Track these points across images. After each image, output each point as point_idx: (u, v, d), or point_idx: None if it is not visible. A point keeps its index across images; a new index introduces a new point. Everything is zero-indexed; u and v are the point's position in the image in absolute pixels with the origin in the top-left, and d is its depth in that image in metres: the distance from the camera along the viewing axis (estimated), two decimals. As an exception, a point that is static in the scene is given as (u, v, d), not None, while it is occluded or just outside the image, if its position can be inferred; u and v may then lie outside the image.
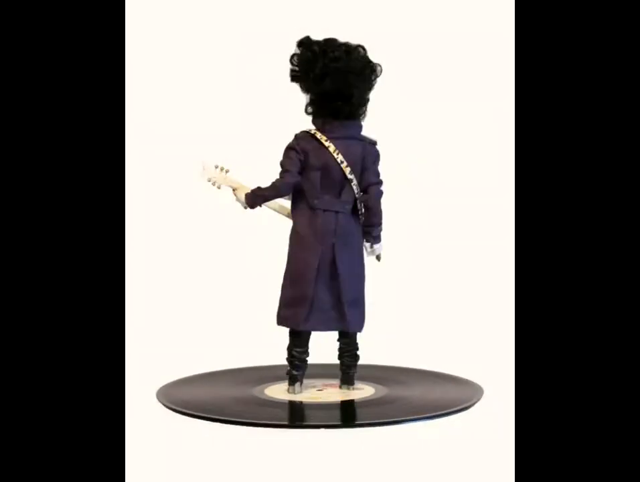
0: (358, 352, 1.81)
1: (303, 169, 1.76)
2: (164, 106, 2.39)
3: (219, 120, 2.35)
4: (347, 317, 1.76)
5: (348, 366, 1.81)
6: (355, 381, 1.81)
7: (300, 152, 1.76)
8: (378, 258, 1.83)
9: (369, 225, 1.79)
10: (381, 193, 1.79)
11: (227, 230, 2.32)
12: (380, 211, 1.80)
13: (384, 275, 2.24)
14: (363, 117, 1.78)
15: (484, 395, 1.76)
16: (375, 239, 1.81)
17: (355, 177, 1.76)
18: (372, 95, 1.79)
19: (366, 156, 1.77)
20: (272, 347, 1.88)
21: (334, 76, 1.73)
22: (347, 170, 1.75)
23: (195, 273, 2.33)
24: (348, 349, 1.80)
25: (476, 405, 1.72)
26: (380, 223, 1.80)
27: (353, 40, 1.77)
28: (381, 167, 1.80)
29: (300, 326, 1.77)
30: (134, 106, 2.00)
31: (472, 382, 1.85)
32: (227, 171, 1.80)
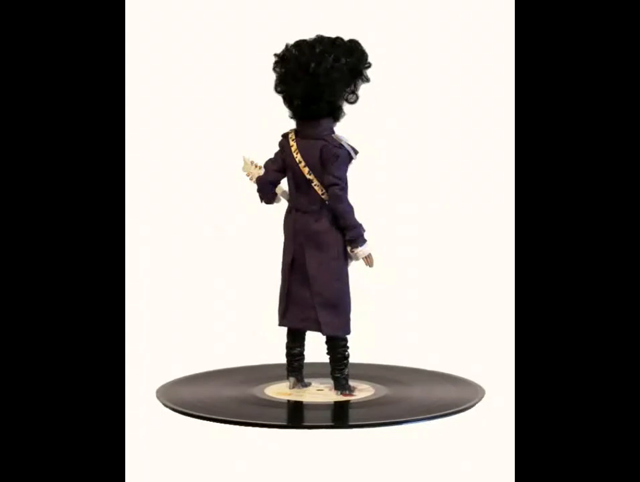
0: (342, 356, 1.76)
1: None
2: (164, 106, 2.39)
3: (218, 120, 2.35)
4: (318, 318, 1.75)
5: (332, 370, 1.78)
6: (352, 387, 1.77)
7: (281, 151, 1.77)
8: (367, 263, 1.75)
9: (340, 228, 1.74)
10: (337, 195, 1.71)
11: (226, 230, 2.33)
12: (344, 214, 1.72)
13: (385, 275, 2.24)
14: (337, 116, 1.75)
15: (484, 395, 1.76)
16: (351, 243, 1.74)
17: (317, 177, 1.74)
18: (371, 96, 1.78)
19: (324, 157, 1.72)
20: (273, 346, 1.88)
21: (278, 79, 1.74)
22: (306, 170, 1.74)
23: (194, 272, 2.33)
24: (329, 352, 1.78)
25: (476, 405, 1.72)
26: (350, 227, 1.72)
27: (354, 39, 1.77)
28: (381, 169, 1.79)
29: (278, 321, 1.79)
30: (134, 106, 2.00)
31: (473, 382, 1.84)
32: (260, 168, 1.80)
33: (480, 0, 2.38)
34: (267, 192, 1.80)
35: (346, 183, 1.74)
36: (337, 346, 1.77)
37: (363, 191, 1.84)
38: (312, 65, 1.70)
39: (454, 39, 2.39)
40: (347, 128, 1.79)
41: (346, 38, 1.74)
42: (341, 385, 1.77)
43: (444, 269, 2.34)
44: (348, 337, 1.78)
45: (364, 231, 1.74)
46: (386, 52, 2.03)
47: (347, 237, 1.73)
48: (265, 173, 1.79)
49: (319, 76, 1.70)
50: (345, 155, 1.73)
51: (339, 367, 1.77)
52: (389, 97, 2.29)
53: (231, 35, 2.36)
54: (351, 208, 1.73)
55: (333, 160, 1.72)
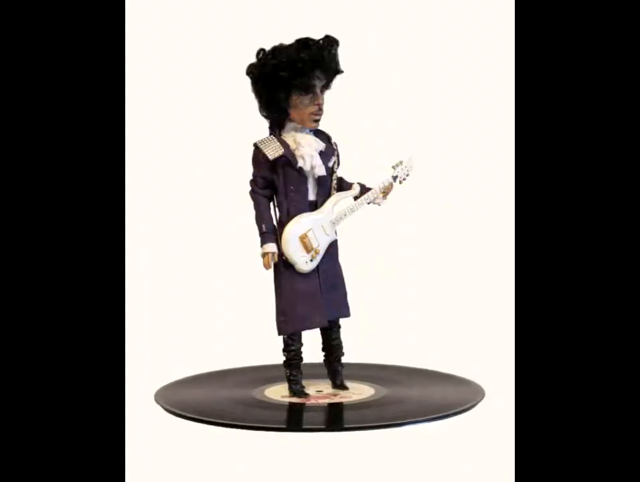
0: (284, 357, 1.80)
1: None
2: (164, 107, 2.39)
3: (217, 120, 2.35)
4: None
5: None
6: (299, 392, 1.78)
7: None
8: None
9: None
10: (250, 194, 1.79)
11: (226, 231, 2.32)
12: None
13: (384, 274, 2.24)
14: (272, 117, 1.78)
15: (484, 395, 1.76)
16: None
17: None
18: (369, 95, 1.78)
19: None
20: (272, 347, 1.88)
21: None
22: None
23: (194, 274, 2.33)
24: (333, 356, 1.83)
25: (476, 406, 1.71)
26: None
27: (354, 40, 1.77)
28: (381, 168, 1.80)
29: None
30: (134, 107, 2.00)
31: (473, 382, 1.84)
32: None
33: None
34: None
35: (258, 183, 1.77)
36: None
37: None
38: (248, 70, 1.80)
39: (454, 37, 2.39)
40: (347, 127, 1.80)
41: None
42: (289, 385, 1.79)
43: (444, 269, 2.34)
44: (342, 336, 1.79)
45: (264, 231, 1.76)
46: (386, 51, 2.03)
47: None
48: None
49: (253, 81, 1.79)
50: (255, 155, 1.77)
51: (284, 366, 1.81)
52: (388, 96, 2.30)
53: (231, 35, 2.36)
54: (257, 207, 1.77)
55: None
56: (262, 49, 1.77)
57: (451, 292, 2.29)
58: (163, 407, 1.72)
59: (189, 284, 2.31)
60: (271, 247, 1.74)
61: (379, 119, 2.30)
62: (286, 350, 1.78)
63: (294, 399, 1.75)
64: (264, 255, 1.75)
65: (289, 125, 1.77)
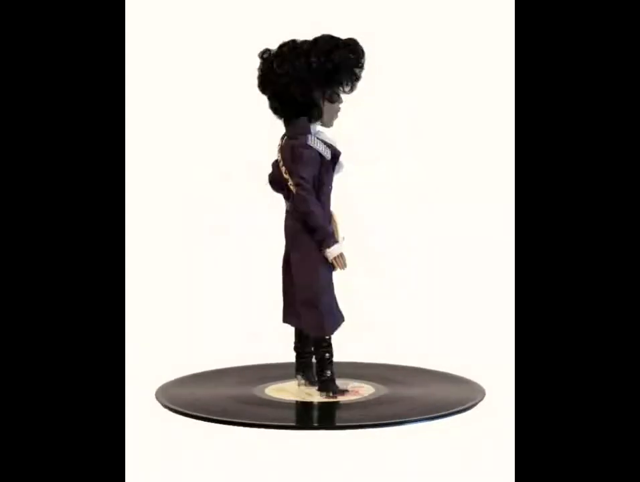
0: (322, 357, 1.73)
1: None
2: (165, 108, 2.39)
3: (218, 122, 2.36)
4: (300, 316, 1.74)
5: (316, 370, 1.77)
6: (339, 389, 1.75)
7: None
8: (337, 264, 1.71)
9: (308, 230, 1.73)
10: (299, 196, 1.70)
11: (227, 229, 2.33)
12: (307, 215, 1.69)
13: (384, 273, 2.24)
14: (313, 115, 1.72)
15: (485, 395, 1.76)
16: (319, 244, 1.70)
17: (291, 178, 1.72)
18: (371, 93, 1.78)
19: (292, 157, 1.72)
20: (272, 346, 1.88)
21: (257, 80, 1.76)
22: (283, 170, 1.73)
23: (195, 272, 2.33)
24: (314, 351, 1.76)
25: (476, 405, 1.71)
26: (316, 228, 1.69)
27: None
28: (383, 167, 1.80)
29: (282, 319, 1.80)
30: (134, 107, 2.00)
31: (474, 382, 1.84)
32: None
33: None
34: (275, 189, 1.79)
35: (312, 184, 1.71)
36: (318, 346, 1.75)
37: (364, 188, 1.84)
38: (275, 66, 1.72)
39: (454, 38, 2.40)
40: (348, 126, 1.80)
41: (345, 37, 1.74)
42: (323, 386, 1.75)
43: (444, 269, 2.34)
44: (340, 336, 1.76)
45: (331, 231, 1.71)
46: (388, 51, 2.03)
47: (315, 239, 1.71)
48: (271, 172, 1.79)
49: (280, 77, 1.71)
50: (310, 156, 1.70)
51: (320, 368, 1.75)
52: (387, 95, 2.30)
53: (232, 35, 2.36)
54: (316, 209, 1.70)
55: (298, 160, 1.70)
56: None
57: (451, 292, 2.29)
58: (163, 404, 1.72)
59: (189, 282, 2.31)
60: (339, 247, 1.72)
61: (378, 119, 2.30)
62: (326, 350, 1.75)
63: (291, 397, 1.74)
64: (338, 256, 1.71)
65: None
